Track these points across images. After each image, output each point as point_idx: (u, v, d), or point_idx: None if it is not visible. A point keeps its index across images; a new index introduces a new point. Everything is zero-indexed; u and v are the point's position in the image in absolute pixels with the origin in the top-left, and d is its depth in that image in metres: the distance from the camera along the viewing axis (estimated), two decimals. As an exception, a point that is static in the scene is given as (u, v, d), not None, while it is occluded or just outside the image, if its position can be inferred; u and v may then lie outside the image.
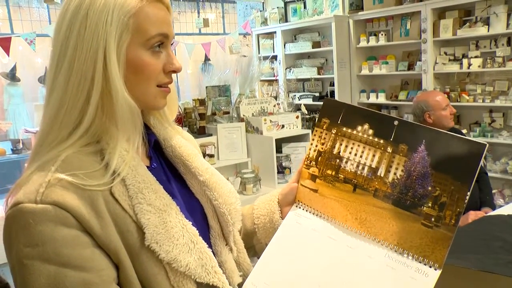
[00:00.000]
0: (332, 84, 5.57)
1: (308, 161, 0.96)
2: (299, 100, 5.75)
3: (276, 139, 3.15)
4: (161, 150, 0.95)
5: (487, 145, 0.77)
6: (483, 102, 4.34)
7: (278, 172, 3.17)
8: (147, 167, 0.86)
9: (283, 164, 3.20)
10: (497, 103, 4.24)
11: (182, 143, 0.96)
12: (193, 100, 3.48)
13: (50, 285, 0.68)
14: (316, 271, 0.86)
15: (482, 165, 3.34)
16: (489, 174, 3.08)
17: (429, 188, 0.80)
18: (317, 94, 5.86)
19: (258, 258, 0.95)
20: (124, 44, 0.78)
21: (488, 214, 2.25)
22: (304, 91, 6.05)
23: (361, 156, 0.89)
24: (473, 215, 2.29)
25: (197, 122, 3.30)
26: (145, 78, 0.82)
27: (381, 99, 5.22)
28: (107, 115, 0.79)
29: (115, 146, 0.79)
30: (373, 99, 5.29)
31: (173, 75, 0.90)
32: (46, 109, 0.80)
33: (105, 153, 0.78)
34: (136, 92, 0.81)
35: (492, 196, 2.91)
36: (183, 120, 3.27)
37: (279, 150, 3.27)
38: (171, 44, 0.87)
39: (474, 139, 0.78)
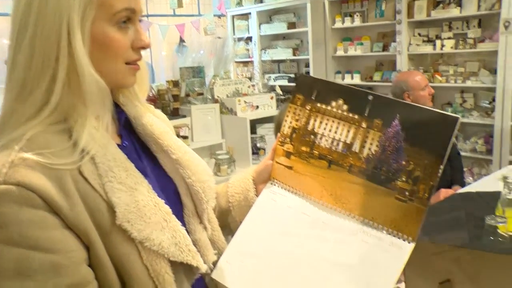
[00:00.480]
0: (307, 65, 5.57)
1: (282, 138, 0.95)
2: (274, 81, 5.74)
3: (250, 120, 3.14)
4: (132, 129, 0.93)
5: (460, 118, 0.77)
6: (455, 83, 4.40)
7: (253, 153, 3.17)
8: (118, 145, 0.84)
9: (258, 145, 3.20)
10: (468, 83, 4.31)
11: (154, 121, 0.94)
12: (166, 81, 3.44)
13: (16, 270, 0.66)
14: (292, 248, 0.86)
15: (456, 145, 3.40)
16: (459, 152, 3.14)
17: (403, 162, 0.80)
18: (292, 75, 5.86)
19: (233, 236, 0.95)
20: (88, 20, 0.75)
21: (458, 191, 2.30)
22: (279, 72, 6.04)
23: (335, 132, 0.88)
24: (444, 193, 2.34)
25: (170, 103, 3.26)
26: (113, 55, 0.79)
27: (356, 80, 5.24)
28: (74, 93, 0.76)
29: (83, 124, 0.76)
30: (348, 80, 5.32)
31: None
32: (8, 89, 0.76)
33: (73, 132, 0.76)
34: (104, 70, 0.78)
35: (463, 175, 2.98)
36: (156, 101, 3.23)
37: (253, 131, 3.27)
38: (140, 21, 0.84)
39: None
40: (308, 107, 0.92)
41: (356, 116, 0.86)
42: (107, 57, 0.79)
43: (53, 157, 0.71)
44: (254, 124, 3.29)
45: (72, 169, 0.73)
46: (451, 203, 1.93)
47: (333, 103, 0.89)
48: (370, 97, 0.85)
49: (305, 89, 0.93)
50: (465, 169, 4.13)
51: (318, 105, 0.91)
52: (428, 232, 1.33)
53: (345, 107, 0.88)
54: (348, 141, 0.87)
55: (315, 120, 0.91)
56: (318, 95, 0.91)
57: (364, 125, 0.85)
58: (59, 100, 0.75)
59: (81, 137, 0.75)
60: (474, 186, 2.31)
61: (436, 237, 1.42)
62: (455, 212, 1.79)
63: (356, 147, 0.86)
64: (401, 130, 0.81)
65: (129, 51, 0.81)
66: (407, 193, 0.79)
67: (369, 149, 0.84)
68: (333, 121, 0.89)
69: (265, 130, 3.27)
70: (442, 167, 0.77)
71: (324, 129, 0.90)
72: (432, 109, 0.80)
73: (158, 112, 1.02)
